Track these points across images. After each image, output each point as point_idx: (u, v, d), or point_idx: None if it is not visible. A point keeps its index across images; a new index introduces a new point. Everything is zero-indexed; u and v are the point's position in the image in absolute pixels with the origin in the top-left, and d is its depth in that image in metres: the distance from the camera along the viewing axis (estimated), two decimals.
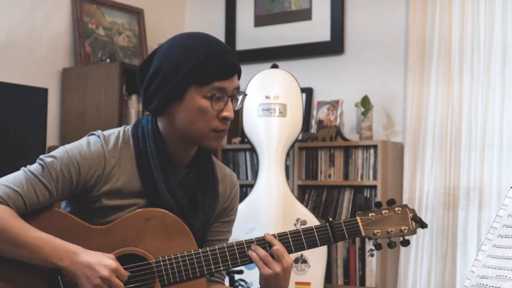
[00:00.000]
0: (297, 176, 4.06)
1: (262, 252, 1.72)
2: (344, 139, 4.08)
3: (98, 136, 1.75)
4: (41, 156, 1.70)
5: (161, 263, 1.69)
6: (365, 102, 3.97)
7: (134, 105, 3.97)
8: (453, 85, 3.84)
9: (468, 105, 3.79)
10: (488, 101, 3.73)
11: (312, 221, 3.70)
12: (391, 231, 1.79)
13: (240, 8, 4.69)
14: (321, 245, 1.78)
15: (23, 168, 1.69)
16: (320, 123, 4.24)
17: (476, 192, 3.73)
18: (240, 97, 1.75)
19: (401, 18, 4.12)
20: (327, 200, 4.02)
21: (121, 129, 1.80)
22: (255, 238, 1.74)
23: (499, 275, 1.41)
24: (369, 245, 3.86)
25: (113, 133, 1.78)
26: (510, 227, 1.49)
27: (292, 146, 3.88)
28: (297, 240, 1.76)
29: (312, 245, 1.76)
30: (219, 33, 4.71)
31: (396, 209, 1.81)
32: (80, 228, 1.69)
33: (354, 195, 3.96)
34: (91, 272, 1.57)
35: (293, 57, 4.43)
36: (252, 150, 3.96)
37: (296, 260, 3.72)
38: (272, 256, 1.72)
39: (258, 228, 3.66)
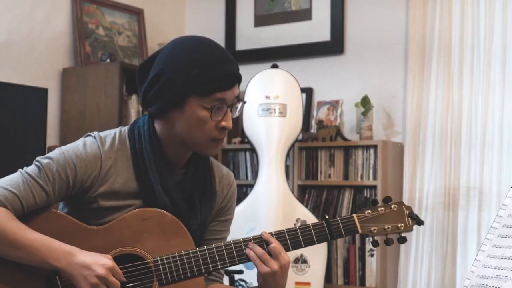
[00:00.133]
0: (297, 176, 4.06)
1: (259, 250, 1.72)
2: (344, 139, 4.08)
3: (94, 137, 1.75)
4: (38, 158, 1.71)
5: (159, 262, 1.69)
6: (365, 102, 3.97)
7: (134, 105, 3.97)
8: (453, 85, 3.83)
9: (468, 105, 3.79)
10: (488, 101, 3.73)
11: (312, 221, 3.69)
12: (388, 228, 1.80)
13: (240, 8, 4.69)
14: (318, 243, 1.78)
15: (19, 170, 1.70)
16: (320, 123, 4.24)
17: (476, 192, 3.73)
18: (239, 105, 1.76)
19: (401, 18, 4.12)
20: (327, 200, 4.02)
21: (117, 130, 1.81)
22: (252, 237, 1.75)
23: (499, 275, 1.41)
24: (369, 245, 3.86)
25: (109, 134, 1.78)
26: (510, 227, 1.49)
27: (292, 146, 3.88)
28: (294, 238, 1.76)
29: (309, 242, 1.77)
30: (219, 33, 4.71)
31: (393, 206, 1.82)
32: (77, 229, 1.69)
33: (354, 195, 3.96)
34: (88, 271, 1.58)
35: (293, 57, 4.43)
36: (252, 150, 3.96)
37: (296, 260, 3.72)
38: (270, 254, 1.72)
39: (258, 228, 3.66)
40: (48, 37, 3.97)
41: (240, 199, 3.78)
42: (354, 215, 1.80)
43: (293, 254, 3.62)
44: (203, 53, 1.70)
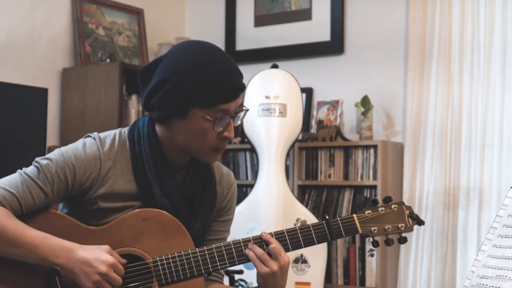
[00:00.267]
0: (297, 176, 4.06)
1: (259, 250, 1.72)
2: (344, 139, 4.08)
3: (94, 139, 1.75)
4: (37, 159, 1.70)
5: (159, 262, 1.69)
6: (365, 102, 3.97)
7: (134, 105, 3.97)
8: (453, 85, 3.83)
9: (468, 105, 3.79)
10: (488, 101, 3.73)
11: (312, 221, 3.70)
12: (388, 228, 1.79)
13: (240, 8, 4.69)
14: (318, 243, 1.78)
15: (19, 170, 1.70)
16: (320, 123, 4.24)
17: (476, 192, 3.73)
18: (241, 114, 1.74)
19: (401, 18, 4.12)
20: (327, 200, 4.02)
21: (117, 131, 1.80)
22: (252, 237, 1.74)
23: (499, 275, 1.41)
24: (369, 245, 3.86)
25: (109, 135, 1.78)
26: (510, 227, 1.49)
27: (292, 146, 3.88)
28: (294, 238, 1.76)
29: (309, 243, 1.76)
30: (219, 33, 4.71)
31: (393, 206, 1.81)
32: (77, 229, 1.69)
33: (354, 195, 3.96)
34: (89, 268, 1.58)
35: (293, 57, 4.43)
36: (252, 150, 3.96)
37: (296, 260, 3.72)
38: (269, 254, 1.72)
39: (258, 228, 3.66)
40: (48, 37, 3.97)
41: (240, 199, 3.78)
42: (354, 215, 1.79)
43: (293, 254, 3.62)
44: (207, 64, 1.67)
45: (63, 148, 1.72)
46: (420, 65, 3.94)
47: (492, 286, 1.40)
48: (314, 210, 3.98)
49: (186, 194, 1.79)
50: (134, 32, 4.43)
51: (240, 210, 3.72)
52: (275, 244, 1.72)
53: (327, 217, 1.79)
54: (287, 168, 3.95)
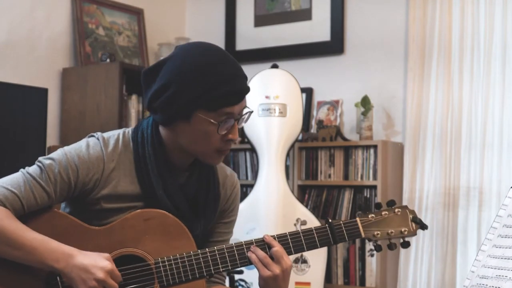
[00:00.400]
0: (297, 176, 4.06)
1: (261, 253, 1.71)
2: (344, 139, 4.08)
3: (98, 139, 1.74)
4: (40, 158, 1.70)
5: (160, 264, 1.68)
6: (365, 102, 3.97)
7: (134, 105, 3.97)
8: (453, 85, 3.84)
9: (468, 105, 3.79)
10: (488, 101, 3.73)
11: (312, 221, 3.70)
12: (391, 232, 1.78)
13: (240, 8, 4.69)
14: (320, 247, 1.77)
15: (21, 170, 1.69)
16: (320, 123, 4.24)
17: (476, 192, 3.73)
18: (246, 116, 1.73)
19: (401, 18, 4.12)
20: (327, 200, 4.02)
21: (121, 131, 1.79)
22: (254, 240, 1.73)
23: (499, 275, 1.41)
24: (369, 245, 3.86)
25: (113, 135, 1.77)
26: (510, 227, 1.49)
27: (292, 146, 3.88)
28: (297, 242, 1.75)
29: (311, 246, 1.76)
30: (219, 33, 4.71)
31: (396, 210, 1.80)
32: (79, 229, 1.68)
33: (354, 195, 3.96)
34: (87, 274, 1.57)
35: (293, 57, 4.43)
36: (252, 150, 3.96)
37: (296, 260, 3.72)
38: (271, 257, 1.71)
39: (258, 228, 3.66)
40: (48, 37, 3.97)
41: (240, 199, 3.77)
42: (358, 218, 1.78)
43: (292, 254, 3.61)
44: (212, 68, 1.65)
45: (66, 148, 1.72)
46: (420, 65, 3.94)
47: (492, 286, 1.40)
48: (314, 210, 3.98)
49: (189, 196, 1.78)
50: (134, 32, 4.43)
51: (240, 210, 3.66)
52: (277, 248, 1.71)
53: (330, 220, 1.77)
54: (287, 168, 3.95)
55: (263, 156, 3.79)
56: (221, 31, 4.72)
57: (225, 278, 1.95)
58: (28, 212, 1.65)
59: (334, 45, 4.31)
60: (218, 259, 1.71)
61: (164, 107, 1.68)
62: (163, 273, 1.68)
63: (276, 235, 1.75)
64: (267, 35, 4.56)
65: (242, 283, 3.72)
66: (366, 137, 3.97)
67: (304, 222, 3.70)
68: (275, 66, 3.97)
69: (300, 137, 4.03)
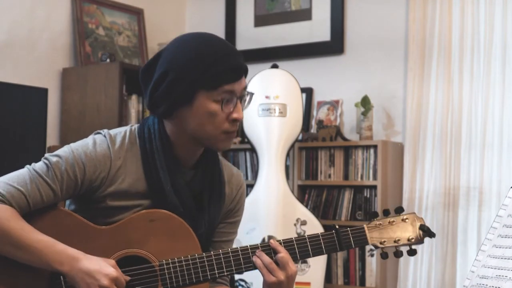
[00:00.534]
0: (297, 176, 4.06)
1: (266, 259, 1.70)
2: (344, 139, 4.08)
3: (104, 136, 1.73)
4: (46, 155, 1.68)
5: (165, 266, 1.67)
6: (365, 102, 3.97)
7: (134, 105, 3.97)
8: (453, 85, 3.83)
9: (468, 105, 3.79)
10: (488, 101, 3.73)
11: (312, 221, 3.70)
12: (398, 240, 1.76)
13: (240, 8, 4.69)
14: (326, 253, 1.76)
15: (27, 166, 1.67)
16: (320, 123, 4.24)
17: (476, 192, 3.73)
18: (248, 97, 1.74)
19: (401, 18, 4.12)
20: (327, 200, 4.02)
21: (127, 128, 1.78)
22: (260, 244, 1.72)
23: (499, 275, 1.41)
24: (369, 245, 3.85)
25: (119, 132, 1.76)
26: (510, 227, 1.48)
27: (292, 146, 3.88)
28: (303, 247, 1.73)
29: (317, 252, 1.74)
30: (219, 33, 4.68)
31: (404, 217, 1.78)
32: (84, 228, 1.68)
33: (354, 195, 3.96)
34: (91, 280, 1.56)
35: (293, 57, 4.43)
36: (252, 150, 3.96)
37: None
38: (277, 263, 1.70)
39: (258, 228, 3.66)
40: (48, 37, 3.97)
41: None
42: (365, 225, 1.76)
43: None
44: (207, 47, 1.67)
45: (73, 145, 1.70)
46: (420, 65, 3.94)
47: (492, 286, 1.40)
48: (314, 210, 3.98)
49: (195, 193, 1.77)
50: (134, 32, 4.43)
51: None
52: (283, 254, 1.70)
53: (337, 226, 1.76)
54: (287, 168, 3.95)
55: (263, 156, 3.79)
56: (221, 31, 4.72)
57: (229, 280, 1.94)
58: (34, 209, 1.64)
59: (334, 45, 4.31)
60: (223, 262, 1.70)
61: (166, 96, 1.68)
62: (167, 275, 1.67)
63: (282, 240, 1.73)
64: (267, 35, 4.56)
65: (242, 283, 3.72)
66: (366, 137, 3.97)
67: (304, 222, 3.71)
68: (275, 66, 3.97)
69: (300, 137, 4.03)
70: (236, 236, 1.94)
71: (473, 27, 3.80)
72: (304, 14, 4.44)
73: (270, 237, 3.63)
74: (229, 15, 4.72)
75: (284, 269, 1.69)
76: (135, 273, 1.67)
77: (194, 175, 1.79)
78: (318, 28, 4.38)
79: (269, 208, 3.70)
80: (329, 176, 4.02)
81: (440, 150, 3.84)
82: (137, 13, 4.48)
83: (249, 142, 3.91)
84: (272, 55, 4.44)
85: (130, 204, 1.71)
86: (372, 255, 3.83)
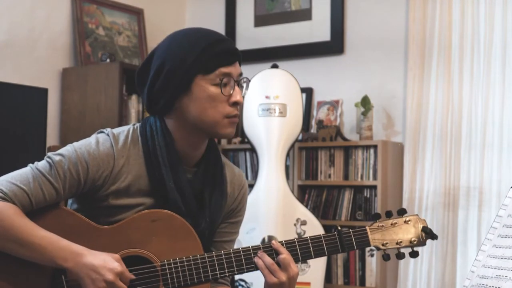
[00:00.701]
0: (297, 176, 4.06)
1: (268, 260, 1.70)
2: (344, 139, 4.08)
3: (108, 135, 1.73)
4: (49, 154, 1.68)
5: (166, 266, 1.68)
6: (365, 102, 3.97)
7: (134, 105, 3.97)
8: (453, 85, 3.84)
9: (468, 105, 3.79)
10: (488, 101, 3.73)
11: (312, 221, 3.70)
12: (400, 242, 1.76)
13: (240, 8, 4.69)
14: (328, 254, 1.76)
15: (30, 165, 1.68)
16: (320, 123, 4.24)
17: (476, 192, 3.73)
18: (245, 84, 1.76)
19: (401, 18, 4.12)
20: (327, 200, 4.02)
21: (130, 127, 1.79)
22: (262, 245, 1.72)
23: (499, 275, 1.41)
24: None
25: (122, 131, 1.77)
26: (510, 227, 1.49)
27: (292, 146, 3.88)
28: (305, 249, 1.73)
29: (319, 254, 1.74)
30: None
31: (407, 219, 1.77)
32: (86, 228, 1.68)
33: (354, 195, 3.96)
34: (96, 275, 1.56)
35: (293, 57, 4.43)
36: (252, 150, 3.96)
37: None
38: (279, 264, 1.70)
39: (258, 228, 3.66)
40: (48, 37, 3.97)
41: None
42: (367, 227, 1.76)
43: None
44: (201, 34, 1.72)
45: (76, 144, 1.71)
46: (420, 65, 3.94)
47: (492, 286, 1.40)
48: (314, 210, 3.98)
49: (196, 190, 1.77)
50: (134, 32, 4.43)
51: None
52: (285, 255, 1.70)
53: (339, 228, 1.76)
54: (287, 168, 3.95)
55: (263, 156, 3.79)
56: (221, 31, 4.72)
57: (230, 280, 1.94)
58: (36, 208, 1.64)
59: (334, 45, 4.31)
60: (225, 263, 1.70)
61: (164, 88, 1.70)
62: (168, 276, 1.67)
63: (284, 241, 1.73)
64: (267, 35, 4.56)
65: (242, 283, 3.72)
66: (366, 137, 3.97)
67: (304, 222, 3.71)
68: (275, 66, 3.97)
69: (300, 137, 4.03)
70: (237, 236, 1.94)
71: (473, 27, 3.80)
72: (304, 14, 4.44)
73: (270, 237, 3.63)
74: (229, 15, 4.72)
75: (285, 270, 1.69)
76: (137, 273, 1.66)
77: (196, 173, 1.79)
78: (318, 28, 4.38)
79: (269, 208, 3.70)
80: (329, 176, 4.02)
81: (440, 150, 3.84)
82: (137, 13, 4.48)
83: (249, 142, 3.91)
84: (272, 55, 4.44)
85: (132, 203, 1.72)
86: (372, 255, 3.83)
